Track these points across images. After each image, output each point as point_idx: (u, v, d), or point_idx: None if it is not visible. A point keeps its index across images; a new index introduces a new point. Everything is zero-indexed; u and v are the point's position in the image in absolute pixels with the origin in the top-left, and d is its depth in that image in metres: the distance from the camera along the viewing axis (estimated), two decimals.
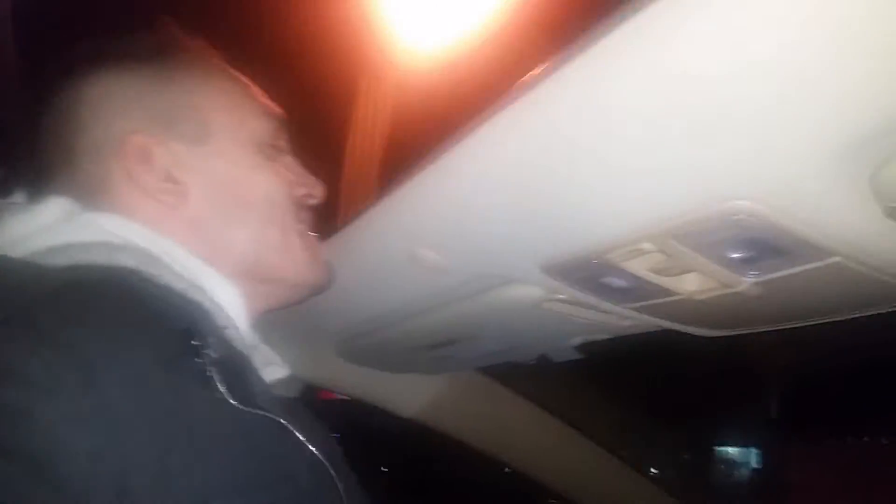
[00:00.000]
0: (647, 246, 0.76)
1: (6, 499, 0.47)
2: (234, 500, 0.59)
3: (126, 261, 0.70)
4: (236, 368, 0.69)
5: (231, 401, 0.64)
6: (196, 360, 0.64)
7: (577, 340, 1.25)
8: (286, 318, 1.03)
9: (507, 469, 1.91)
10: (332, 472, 0.71)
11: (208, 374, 0.64)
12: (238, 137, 0.83)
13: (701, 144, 0.63)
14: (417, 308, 1.14)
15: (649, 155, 0.66)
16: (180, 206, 0.78)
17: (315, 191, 0.91)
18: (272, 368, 0.80)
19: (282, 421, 0.68)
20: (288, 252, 0.85)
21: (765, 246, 0.73)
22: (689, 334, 1.08)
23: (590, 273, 0.85)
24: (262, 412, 0.66)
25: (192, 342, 0.64)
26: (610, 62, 0.61)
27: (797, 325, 1.00)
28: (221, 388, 0.63)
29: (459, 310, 1.11)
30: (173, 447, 0.57)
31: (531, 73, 0.68)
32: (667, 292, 0.85)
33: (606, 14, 0.59)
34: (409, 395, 1.66)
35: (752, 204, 0.67)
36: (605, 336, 1.21)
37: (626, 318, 1.03)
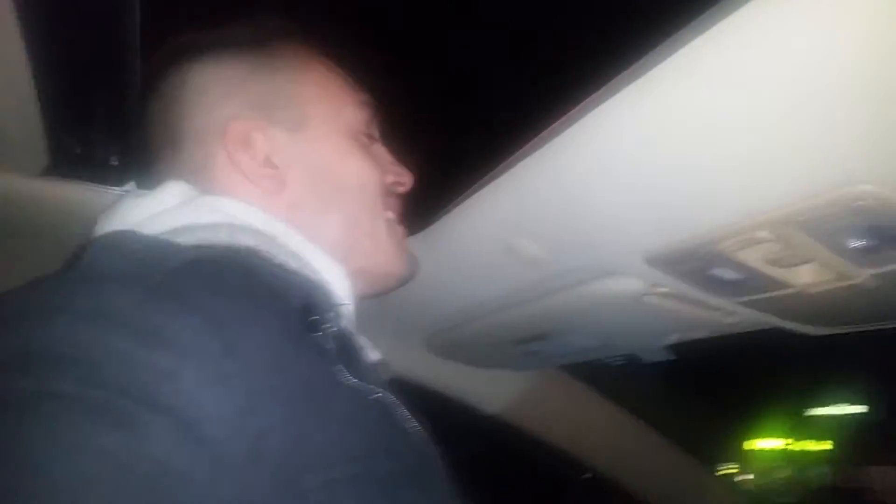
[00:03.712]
0: (762, 234, 0.73)
1: (159, 451, 0.49)
2: (352, 467, 0.60)
3: (247, 240, 0.72)
4: (348, 345, 0.71)
5: (347, 374, 0.66)
6: (316, 333, 0.66)
7: (673, 338, 1.22)
8: (377, 308, 1.05)
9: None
10: (433, 450, 0.74)
11: (327, 347, 0.66)
12: (333, 125, 0.85)
13: (820, 126, 0.61)
14: (512, 300, 1.14)
15: (765, 139, 0.64)
16: (278, 191, 0.81)
17: (404, 179, 0.92)
18: (368, 351, 0.82)
19: (390, 398, 0.70)
20: (376, 239, 0.86)
21: (886, 235, 0.70)
22: (786, 336, 1.05)
23: (698, 264, 0.83)
24: (372, 387, 0.68)
25: (313, 317, 0.66)
26: (723, 49, 0.60)
27: None
28: (338, 363, 0.66)
29: (554, 303, 1.10)
30: (301, 414, 0.59)
31: (638, 62, 0.67)
32: (779, 285, 0.82)
33: None
34: (493, 391, 1.66)
35: (875, 188, 0.64)
36: (703, 334, 1.18)
37: (729, 315, 1.01)
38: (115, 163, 1.01)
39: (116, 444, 0.48)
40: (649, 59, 0.65)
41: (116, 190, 1.03)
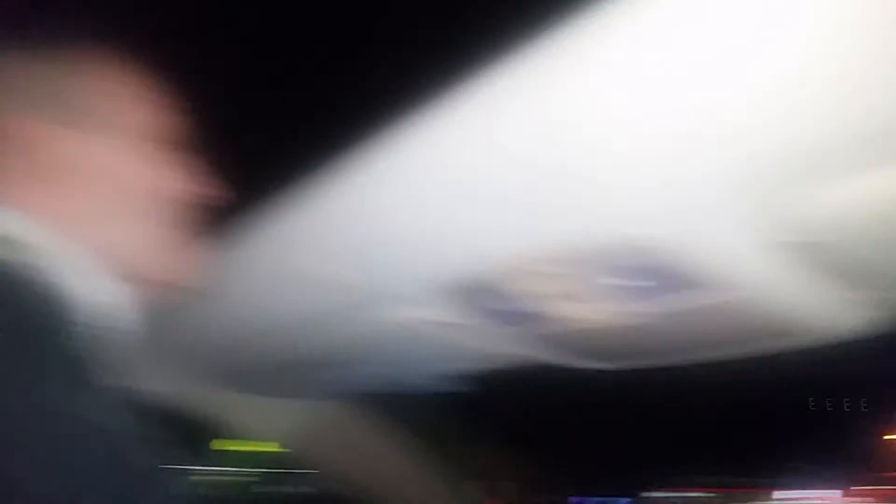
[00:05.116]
0: (543, 271, 0.76)
1: None
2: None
3: (9, 255, 0.65)
4: (118, 370, 0.66)
5: (111, 402, 0.61)
6: (84, 357, 0.61)
7: (459, 369, 1.24)
8: (156, 329, 0.97)
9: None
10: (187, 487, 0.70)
11: (84, 374, 0.60)
12: (127, 128, 0.79)
13: (604, 171, 0.64)
14: (300, 326, 1.10)
15: (545, 177, 0.66)
16: (62, 197, 0.74)
17: (202, 190, 0.87)
18: (132, 379, 0.77)
19: (146, 433, 0.65)
20: (162, 250, 0.81)
21: (664, 277, 0.74)
22: (571, 373, 1.09)
23: (481, 297, 0.84)
24: (137, 416, 0.63)
25: (68, 339, 0.60)
26: (498, 90, 0.60)
27: (685, 363, 1.03)
28: (92, 392, 0.60)
29: (343, 330, 1.07)
30: (59, 446, 0.54)
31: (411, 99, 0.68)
32: (560, 320, 0.85)
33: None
34: (277, 422, 1.60)
35: (655, 232, 0.68)
36: (487, 366, 1.20)
37: (513, 347, 1.03)
38: None
39: None
40: (422, 99, 0.66)
41: None
